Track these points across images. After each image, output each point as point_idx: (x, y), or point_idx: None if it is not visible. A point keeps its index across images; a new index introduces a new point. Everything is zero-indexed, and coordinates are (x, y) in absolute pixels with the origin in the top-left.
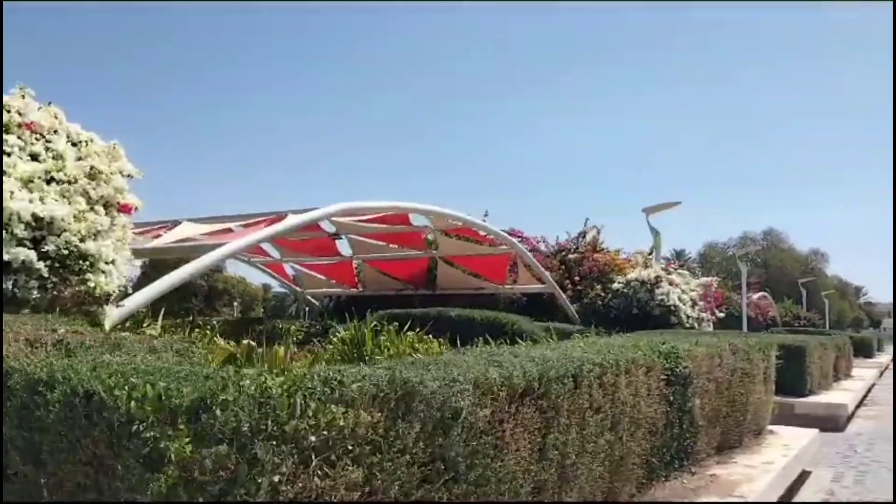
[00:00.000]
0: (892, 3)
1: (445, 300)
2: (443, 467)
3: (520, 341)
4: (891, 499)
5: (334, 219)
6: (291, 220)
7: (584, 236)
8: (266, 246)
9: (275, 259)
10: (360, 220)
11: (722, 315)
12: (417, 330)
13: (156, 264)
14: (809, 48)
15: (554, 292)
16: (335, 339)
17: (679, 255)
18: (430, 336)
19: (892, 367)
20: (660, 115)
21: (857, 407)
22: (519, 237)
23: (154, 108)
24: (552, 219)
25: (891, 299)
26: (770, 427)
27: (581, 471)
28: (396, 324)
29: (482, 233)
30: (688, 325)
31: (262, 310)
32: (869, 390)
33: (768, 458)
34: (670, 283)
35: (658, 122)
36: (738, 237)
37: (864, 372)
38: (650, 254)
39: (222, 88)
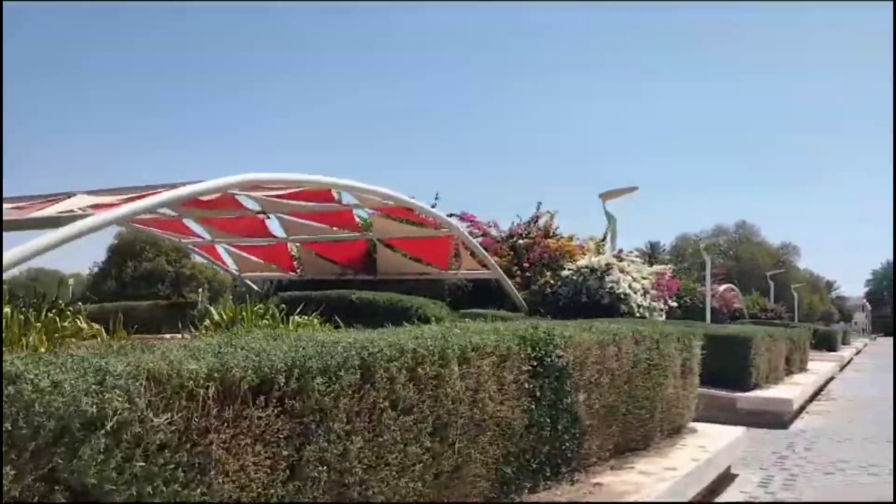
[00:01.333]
0: (892, 3)
1: (387, 285)
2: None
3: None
4: (891, 499)
5: (256, 195)
6: (165, 196)
7: (537, 221)
8: (195, 226)
9: (206, 241)
10: (279, 196)
11: (674, 304)
12: (311, 313)
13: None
14: (790, 40)
15: (499, 279)
16: (207, 322)
17: (654, 247)
18: (325, 321)
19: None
20: (637, 106)
21: (809, 402)
22: (470, 221)
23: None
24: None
25: (861, 294)
26: (694, 425)
27: (379, 488)
28: (284, 307)
29: (419, 213)
30: (638, 315)
31: (230, 297)
32: (825, 384)
33: (674, 462)
34: (621, 271)
35: (636, 112)
36: (711, 229)
37: (822, 366)
38: (603, 240)
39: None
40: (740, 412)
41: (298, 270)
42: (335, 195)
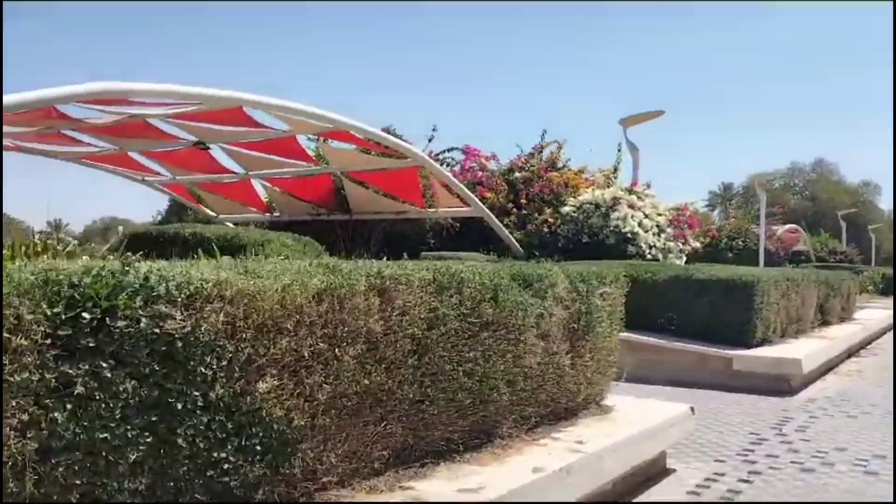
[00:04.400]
0: (892, 2)
1: (364, 226)
2: None
3: None
4: (891, 499)
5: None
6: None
7: (541, 152)
8: (152, 164)
9: (168, 178)
10: (185, 117)
11: (697, 244)
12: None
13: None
14: None
15: (484, 216)
16: None
17: (727, 188)
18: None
19: None
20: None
21: (846, 358)
22: (475, 155)
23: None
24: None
25: None
26: (616, 401)
27: None
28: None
29: (368, 139)
30: (649, 256)
31: None
32: (875, 337)
33: (504, 473)
34: (630, 206)
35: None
36: (786, 168)
37: (874, 314)
38: (615, 171)
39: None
40: (736, 375)
41: (273, 211)
42: (248, 114)
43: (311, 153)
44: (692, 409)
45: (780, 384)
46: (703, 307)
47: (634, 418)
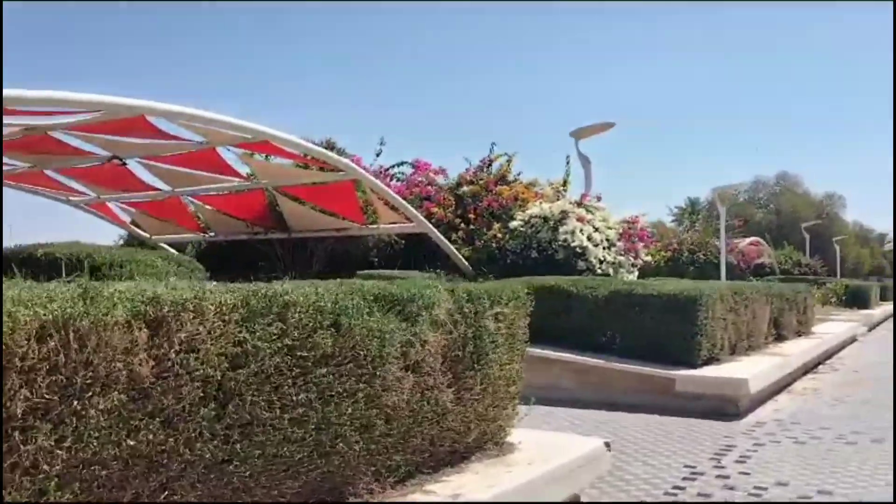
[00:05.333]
0: (892, 2)
1: (307, 245)
2: None
3: None
4: (891, 499)
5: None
6: None
7: (490, 165)
8: (74, 183)
9: (93, 198)
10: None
11: (647, 258)
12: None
13: None
14: None
15: (427, 232)
16: None
17: (693, 203)
18: None
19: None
20: (672, 56)
21: (803, 374)
22: (424, 169)
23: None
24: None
25: None
26: (523, 437)
27: None
28: None
29: (291, 150)
30: (600, 272)
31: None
32: (836, 351)
33: None
34: (579, 220)
35: (672, 62)
36: (750, 181)
37: (836, 328)
38: (564, 184)
39: None
40: (680, 397)
41: (208, 231)
42: (154, 124)
43: (237, 168)
44: (607, 444)
45: (727, 406)
46: (646, 324)
47: (537, 459)
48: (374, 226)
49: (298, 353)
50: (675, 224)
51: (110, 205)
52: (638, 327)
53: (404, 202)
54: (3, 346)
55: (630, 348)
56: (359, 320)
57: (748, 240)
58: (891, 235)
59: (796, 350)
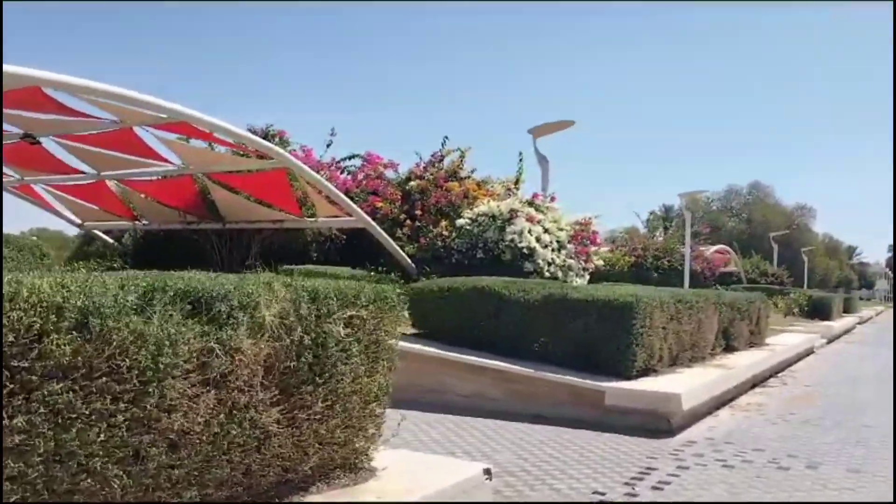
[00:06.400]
0: (892, 2)
1: (240, 235)
2: None
3: None
4: (891, 499)
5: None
6: None
7: (442, 160)
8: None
9: (15, 179)
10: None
11: (599, 262)
12: None
13: None
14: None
15: (367, 227)
16: None
17: (668, 210)
18: None
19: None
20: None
21: (744, 392)
22: (377, 161)
23: None
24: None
25: (884, 260)
26: (382, 461)
27: None
28: None
29: (205, 129)
30: (548, 275)
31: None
32: (790, 363)
33: None
34: (529, 219)
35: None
36: (722, 190)
37: (791, 339)
38: (517, 183)
39: None
40: (610, 411)
41: (141, 219)
42: (53, 97)
43: (160, 152)
44: (487, 471)
45: (659, 422)
46: (580, 331)
47: (395, 489)
48: (312, 219)
49: (14, 364)
50: (646, 231)
51: (36, 188)
52: (572, 334)
53: (341, 194)
54: None
55: (563, 356)
56: (119, 322)
57: (715, 247)
58: (860, 249)
59: (744, 362)
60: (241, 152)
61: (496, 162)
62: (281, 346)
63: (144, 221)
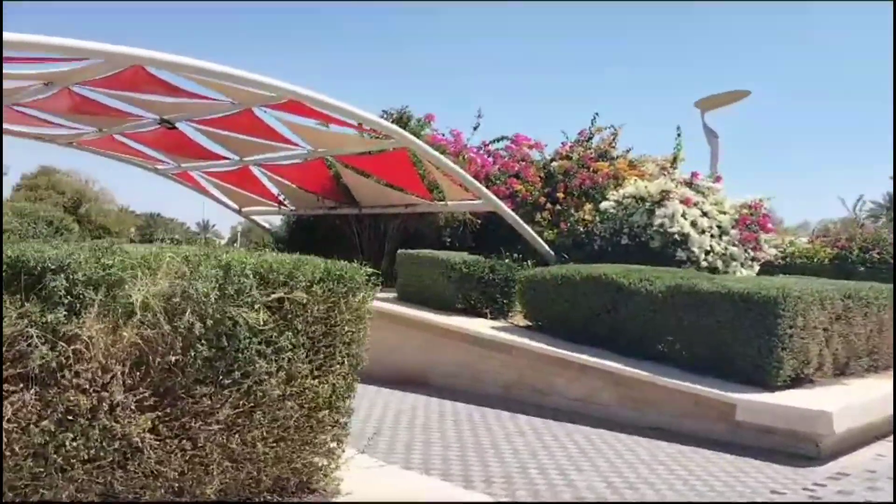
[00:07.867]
0: (892, 2)
1: (379, 221)
2: None
3: None
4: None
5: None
6: None
7: (590, 139)
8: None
9: (174, 166)
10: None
11: (773, 251)
12: None
13: None
14: None
15: (497, 211)
16: None
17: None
18: None
19: None
20: None
21: None
22: (522, 142)
23: None
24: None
25: None
26: (352, 482)
27: None
28: None
29: (317, 108)
30: (705, 264)
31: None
32: None
33: None
34: (682, 202)
35: None
36: None
37: None
38: (674, 161)
39: None
40: (741, 428)
41: (285, 204)
42: (154, 75)
43: (283, 134)
44: None
45: (803, 446)
46: (710, 330)
47: None
48: (442, 202)
49: None
50: (870, 220)
51: (193, 174)
52: (702, 333)
53: (465, 174)
54: None
55: (692, 359)
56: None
57: None
58: None
59: None
60: (363, 132)
61: (654, 142)
62: (157, 334)
63: (292, 207)
